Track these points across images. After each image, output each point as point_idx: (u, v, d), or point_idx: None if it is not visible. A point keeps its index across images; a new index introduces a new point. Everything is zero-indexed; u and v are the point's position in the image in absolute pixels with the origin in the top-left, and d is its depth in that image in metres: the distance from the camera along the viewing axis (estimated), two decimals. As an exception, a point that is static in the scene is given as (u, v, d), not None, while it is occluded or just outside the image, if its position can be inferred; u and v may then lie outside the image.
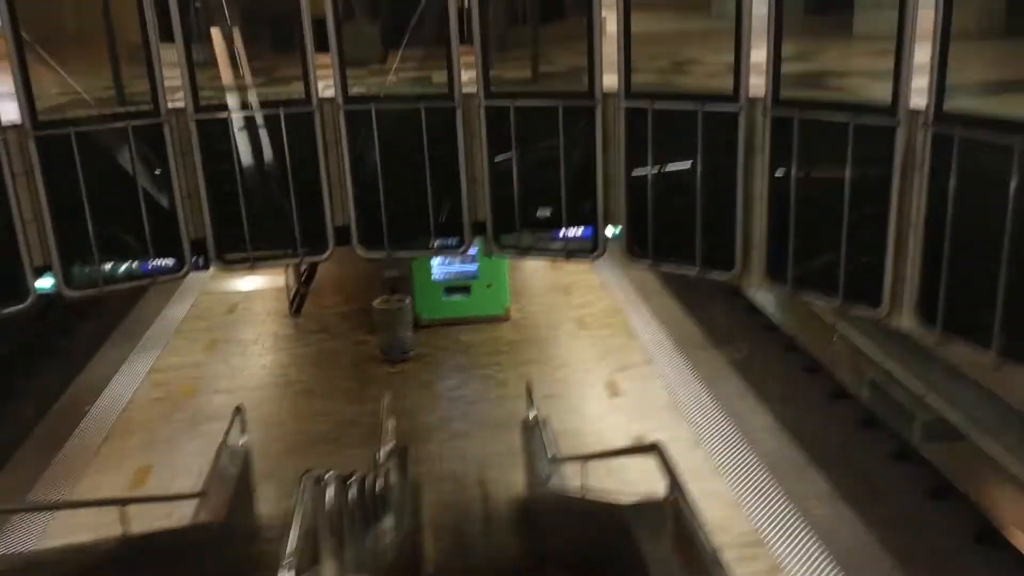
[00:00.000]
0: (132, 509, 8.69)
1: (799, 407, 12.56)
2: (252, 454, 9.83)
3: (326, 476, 4.35)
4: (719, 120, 5.63)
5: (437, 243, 6.44)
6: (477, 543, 8.70)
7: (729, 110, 5.54)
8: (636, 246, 6.15)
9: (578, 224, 6.28)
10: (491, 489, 9.52)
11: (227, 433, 8.67)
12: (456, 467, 9.95)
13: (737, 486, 9.26)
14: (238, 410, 9.14)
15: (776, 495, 9.12)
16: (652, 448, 4.06)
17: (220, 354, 13.17)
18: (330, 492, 4.21)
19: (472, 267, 13.76)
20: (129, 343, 13.63)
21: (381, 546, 6.93)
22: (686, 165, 5.80)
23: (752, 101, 5.52)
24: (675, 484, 3.80)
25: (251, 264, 6.51)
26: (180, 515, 8.45)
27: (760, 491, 9.20)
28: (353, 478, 5.35)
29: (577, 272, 16.08)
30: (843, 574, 7.96)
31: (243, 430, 9.28)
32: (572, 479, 8.40)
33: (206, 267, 9.10)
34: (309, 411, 11.36)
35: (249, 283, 16.18)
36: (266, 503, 9.31)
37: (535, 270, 16.30)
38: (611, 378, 11.92)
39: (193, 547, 7.00)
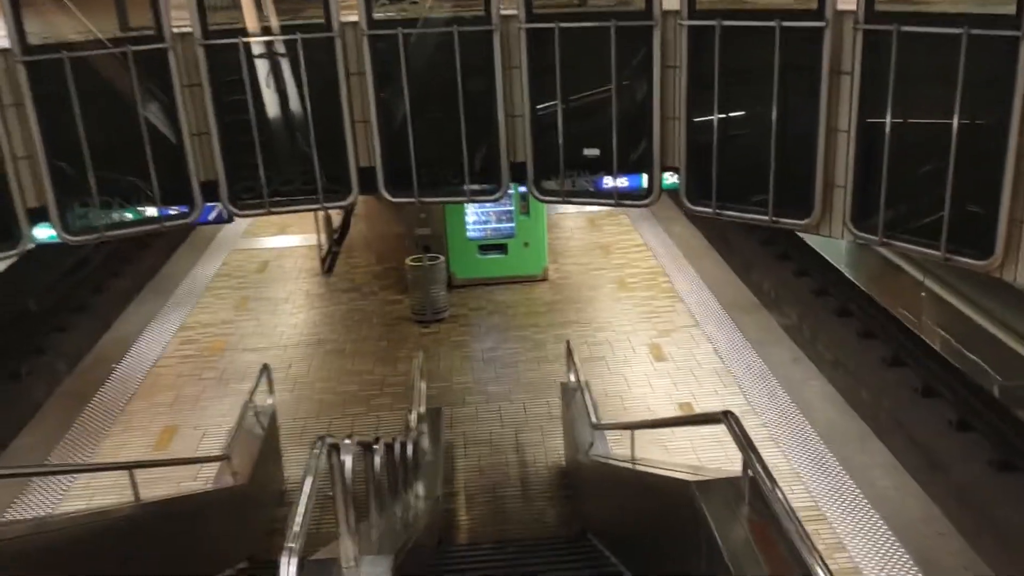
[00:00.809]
0: (155, 471, 8.41)
1: (854, 374, 11.85)
2: (279, 414, 9.45)
3: (345, 442, 3.80)
4: (799, 39, 4.83)
5: (471, 187, 5.75)
6: (514, 511, 8.20)
7: (813, 25, 4.76)
8: (697, 191, 5.40)
9: (631, 166, 5.55)
10: (528, 455, 9.01)
11: (252, 392, 8.25)
12: (492, 431, 9.45)
13: (794, 457, 8.61)
14: (265, 368, 8.72)
15: (836, 467, 8.45)
16: (724, 417, 3.43)
17: (250, 312, 12.79)
18: (349, 460, 3.66)
19: (509, 225, 13.15)
20: (158, 300, 13.31)
21: (411, 514, 6.45)
22: (758, 94, 5.04)
23: (840, 15, 4.74)
24: (754, 458, 3.18)
25: (267, 209, 5.90)
26: (206, 477, 8.10)
27: (819, 462, 8.54)
28: (379, 442, 4.82)
29: (617, 232, 15.40)
30: (911, 552, 7.31)
31: (270, 389, 8.86)
32: (616, 447, 7.84)
33: (229, 219, 8.60)
34: (339, 371, 10.93)
35: (281, 241, 15.80)
36: (295, 465, 8.91)
37: (574, 230, 15.64)
38: (655, 341, 11.28)
39: (213, 512, 6.59)
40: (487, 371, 10.81)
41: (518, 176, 5.77)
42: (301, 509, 2.94)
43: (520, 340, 11.59)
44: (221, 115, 5.57)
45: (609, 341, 11.36)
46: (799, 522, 2.82)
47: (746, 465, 3.29)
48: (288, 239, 15.90)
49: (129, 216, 5.56)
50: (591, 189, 5.62)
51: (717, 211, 5.34)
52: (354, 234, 16.31)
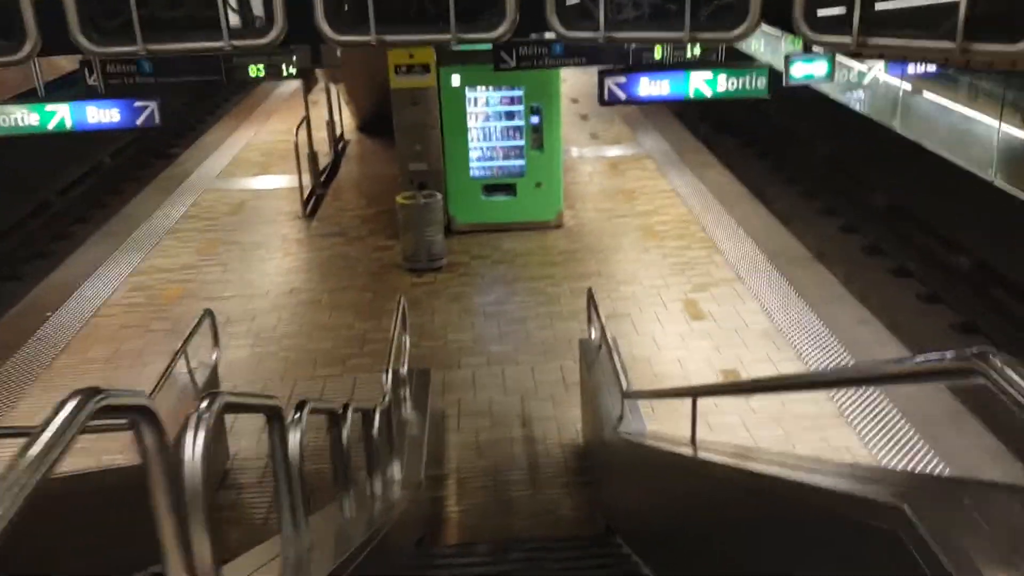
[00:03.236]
0: (81, 442, 6.69)
1: (924, 341, 10.03)
2: (233, 375, 7.73)
3: (194, 414, 2.03)
4: None
5: (457, 22, 3.77)
6: (518, 501, 6.45)
7: None
8: (821, 11, 3.45)
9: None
10: (538, 430, 7.24)
11: (185, 343, 6.48)
12: (492, 399, 7.68)
13: (873, 440, 6.80)
14: (207, 315, 6.94)
15: (927, 454, 6.64)
16: (979, 362, 1.62)
17: (216, 257, 11.02)
18: (193, 444, 1.90)
19: (519, 163, 11.28)
20: (111, 242, 11.55)
21: (377, 508, 4.70)
22: None
23: None
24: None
25: (142, 47, 4.00)
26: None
27: (905, 447, 6.73)
28: (303, 410, 3.04)
29: (642, 177, 13.52)
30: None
31: (214, 341, 7.10)
32: (653, 420, 6.05)
33: (160, 122, 6.84)
34: (312, 325, 9.16)
35: (262, 182, 14.00)
36: (245, 437, 7.18)
37: (592, 174, 13.76)
38: (690, 297, 9.45)
39: (108, 499, 4.84)
40: (489, 328, 9.02)
41: (530, 5, 3.82)
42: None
43: (530, 293, 9.79)
44: None
45: (635, 296, 9.54)
46: None
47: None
48: (271, 179, 14.11)
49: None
50: (646, 18, 3.69)
51: (860, 41, 3.37)
52: (344, 175, 14.50)
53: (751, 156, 18.10)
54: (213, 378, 6.74)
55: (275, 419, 2.73)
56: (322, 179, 13.65)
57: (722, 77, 6.62)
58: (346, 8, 3.81)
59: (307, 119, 12.89)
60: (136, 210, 12.93)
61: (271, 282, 10.27)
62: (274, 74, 7.88)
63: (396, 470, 5.79)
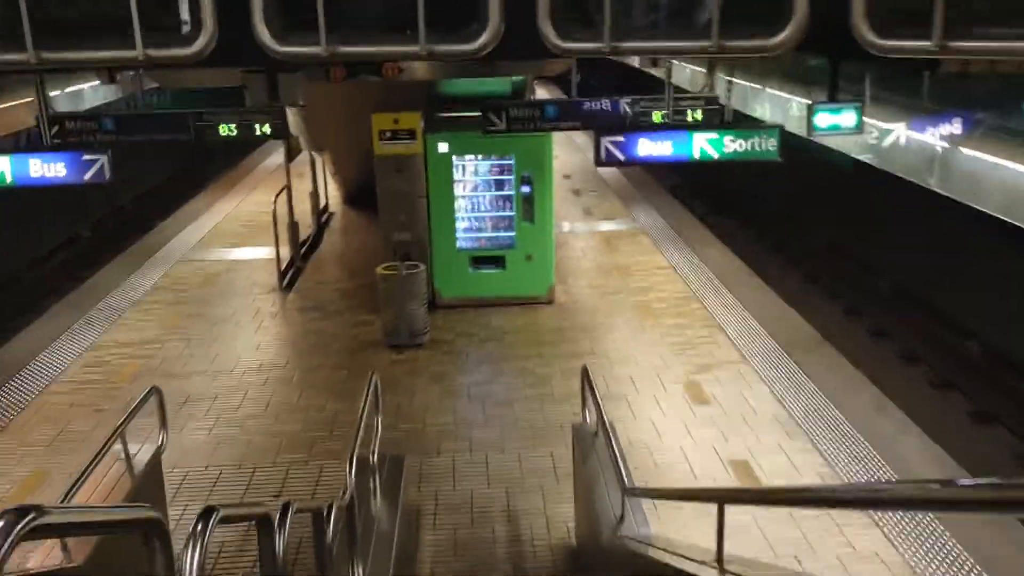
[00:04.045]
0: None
1: (942, 431, 9.29)
2: (186, 459, 6.90)
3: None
4: None
5: (429, 32, 3.11)
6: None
7: None
8: (892, 11, 2.75)
9: None
10: (524, 527, 6.39)
11: (124, 423, 5.68)
12: (475, 491, 6.85)
13: (903, 542, 5.98)
14: (153, 392, 6.17)
15: (965, 560, 5.82)
16: None
17: (182, 331, 10.27)
18: None
19: (508, 234, 10.72)
20: (72, 315, 10.80)
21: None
22: None
23: None
24: None
25: (36, 57, 3.33)
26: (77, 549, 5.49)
27: (941, 552, 5.91)
28: (212, 519, 2.29)
29: (637, 252, 12.98)
30: None
31: (162, 422, 6.29)
32: (655, 518, 5.24)
33: (109, 176, 6.25)
34: (280, 406, 8.36)
35: (241, 253, 13.38)
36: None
37: (585, 249, 13.21)
38: (692, 379, 8.74)
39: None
40: (473, 411, 8.24)
41: (519, 10, 3.18)
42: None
43: (518, 374, 9.04)
44: None
45: (632, 377, 8.81)
46: None
47: None
48: (248, 251, 13.49)
49: None
50: (662, 24, 3.06)
51: (942, 44, 2.69)
52: (326, 247, 13.91)
53: (749, 235, 17.70)
54: (156, 465, 5.91)
55: (155, 536, 1.98)
56: (303, 251, 13.04)
57: (728, 138, 6.11)
58: (292, 14, 3.19)
59: (288, 188, 12.37)
60: (103, 281, 12.24)
61: (238, 359, 9.50)
62: (247, 133, 7.33)
63: (359, 573, 4.93)
